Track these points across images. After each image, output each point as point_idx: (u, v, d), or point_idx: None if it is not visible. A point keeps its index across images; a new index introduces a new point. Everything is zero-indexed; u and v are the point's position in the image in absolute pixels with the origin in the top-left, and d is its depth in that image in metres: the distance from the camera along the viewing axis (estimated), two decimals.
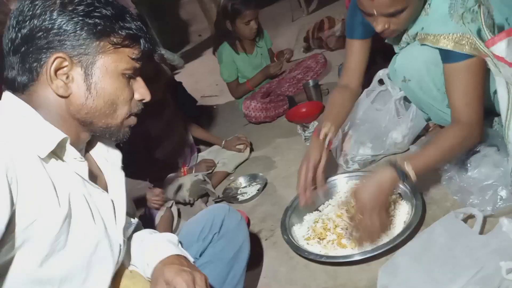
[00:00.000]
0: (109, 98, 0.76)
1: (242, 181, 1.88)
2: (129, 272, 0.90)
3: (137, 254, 0.92)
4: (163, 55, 2.37)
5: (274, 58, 2.60)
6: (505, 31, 0.89)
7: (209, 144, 2.18)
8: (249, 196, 1.74)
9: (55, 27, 0.70)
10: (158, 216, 1.61)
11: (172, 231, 1.59)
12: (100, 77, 0.75)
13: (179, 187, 1.75)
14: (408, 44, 1.29)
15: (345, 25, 1.50)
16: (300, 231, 1.29)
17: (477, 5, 1.03)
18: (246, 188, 1.83)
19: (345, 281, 1.13)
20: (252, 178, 1.86)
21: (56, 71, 0.72)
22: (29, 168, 0.66)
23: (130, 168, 0.92)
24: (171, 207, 1.69)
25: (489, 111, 1.27)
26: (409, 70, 1.29)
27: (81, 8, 0.71)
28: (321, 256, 1.17)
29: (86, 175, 0.77)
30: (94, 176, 0.83)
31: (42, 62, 0.71)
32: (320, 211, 1.36)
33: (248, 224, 1.53)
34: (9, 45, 0.73)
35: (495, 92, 1.14)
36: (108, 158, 0.90)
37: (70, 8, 0.71)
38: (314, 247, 1.22)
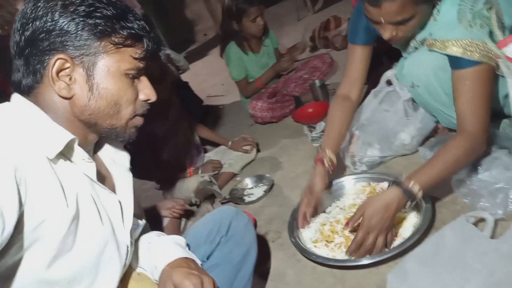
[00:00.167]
0: (112, 98, 0.76)
1: (248, 182, 1.87)
2: (137, 275, 0.90)
3: (145, 256, 0.92)
4: (169, 55, 2.36)
5: (285, 54, 2.58)
6: None
7: (215, 144, 2.17)
8: (255, 198, 1.73)
9: (57, 28, 0.70)
10: (166, 218, 1.60)
11: (179, 233, 1.59)
12: (102, 77, 0.74)
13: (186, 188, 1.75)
14: (416, 48, 1.28)
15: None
16: (308, 234, 1.28)
17: (487, 9, 1.03)
18: (252, 189, 1.82)
19: (354, 284, 1.12)
20: (259, 179, 1.85)
21: (58, 72, 0.71)
22: (37, 169, 0.66)
23: (136, 169, 0.91)
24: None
25: (498, 114, 1.26)
26: (417, 76, 1.28)
27: (82, 8, 0.70)
28: (329, 259, 1.16)
29: (94, 176, 0.77)
30: (102, 177, 0.83)
31: (45, 64, 0.71)
32: (327, 213, 1.35)
33: (255, 225, 1.53)
34: (15, 48, 0.73)
35: (506, 96, 1.12)
36: (116, 159, 0.90)
37: (72, 9, 0.70)
38: (321, 250, 1.21)
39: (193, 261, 0.88)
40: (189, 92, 2.67)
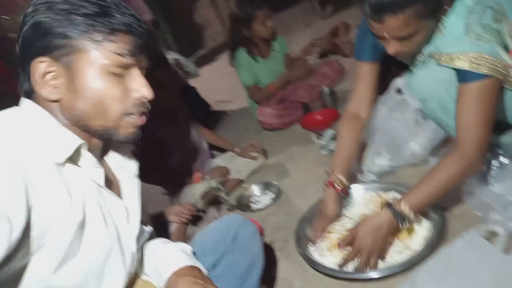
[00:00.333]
0: (96, 98, 0.73)
1: (255, 189, 1.86)
2: (142, 282, 0.89)
3: (150, 263, 0.92)
4: (178, 60, 2.38)
5: (301, 56, 2.58)
6: None
7: (221, 150, 2.17)
8: (263, 205, 1.72)
9: (40, 31, 0.69)
10: (173, 224, 1.59)
11: (185, 239, 1.58)
12: (85, 77, 0.71)
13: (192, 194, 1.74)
14: (424, 63, 1.26)
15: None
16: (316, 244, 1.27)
17: (495, 22, 1.01)
18: (259, 197, 1.81)
19: None
20: (266, 186, 1.84)
21: (44, 76, 0.71)
22: (45, 174, 0.66)
23: (142, 174, 0.91)
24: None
25: (510, 125, 1.23)
26: (427, 92, 1.26)
27: (65, 7, 0.69)
28: (337, 271, 1.14)
29: (102, 181, 0.76)
30: (109, 183, 0.83)
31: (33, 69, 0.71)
32: (335, 223, 1.33)
33: (261, 233, 1.51)
34: (17, 59, 0.73)
35: None
36: (124, 165, 0.89)
37: (54, 10, 0.69)
38: (329, 260, 1.19)
39: (199, 269, 0.87)
40: (195, 97, 2.67)
